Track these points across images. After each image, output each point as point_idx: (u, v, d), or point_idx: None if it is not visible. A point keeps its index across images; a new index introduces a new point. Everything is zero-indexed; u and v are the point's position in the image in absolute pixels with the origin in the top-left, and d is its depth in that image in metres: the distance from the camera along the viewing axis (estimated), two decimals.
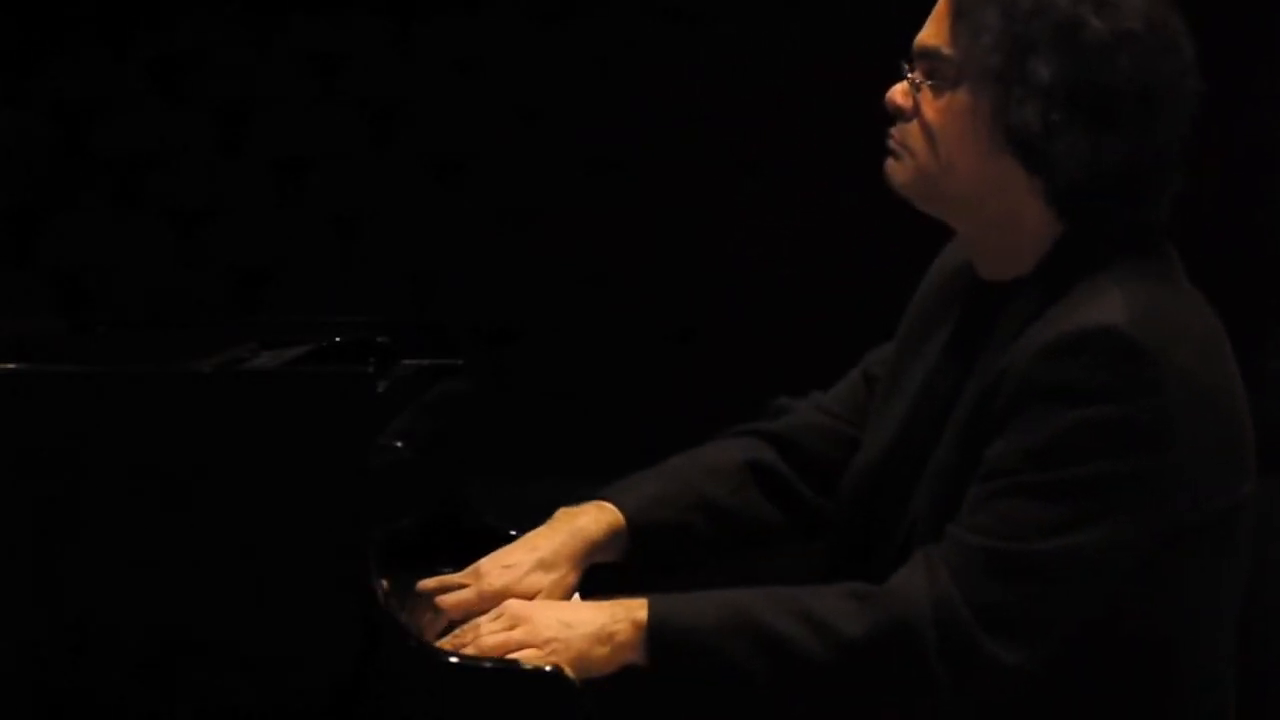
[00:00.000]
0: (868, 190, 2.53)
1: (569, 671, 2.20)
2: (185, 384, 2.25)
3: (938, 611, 2.16)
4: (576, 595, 2.49)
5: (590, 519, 2.53)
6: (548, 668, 2.20)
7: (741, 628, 2.21)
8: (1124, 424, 2.15)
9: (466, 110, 7.37)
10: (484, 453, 2.96)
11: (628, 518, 2.53)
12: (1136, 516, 2.16)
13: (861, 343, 2.71)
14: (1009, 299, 2.31)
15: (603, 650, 2.24)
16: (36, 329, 2.94)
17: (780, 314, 6.42)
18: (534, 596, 2.44)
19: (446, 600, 2.45)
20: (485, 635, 2.27)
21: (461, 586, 2.47)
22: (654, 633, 2.23)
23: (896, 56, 2.36)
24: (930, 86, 2.30)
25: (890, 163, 2.36)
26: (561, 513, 2.55)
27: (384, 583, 2.23)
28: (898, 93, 2.34)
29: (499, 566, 2.47)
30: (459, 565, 2.54)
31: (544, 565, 2.48)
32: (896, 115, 2.34)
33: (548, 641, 2.24)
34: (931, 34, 2.31)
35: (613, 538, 2.52)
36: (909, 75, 2.33)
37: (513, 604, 2.34)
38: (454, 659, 2.23)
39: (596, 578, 2.51)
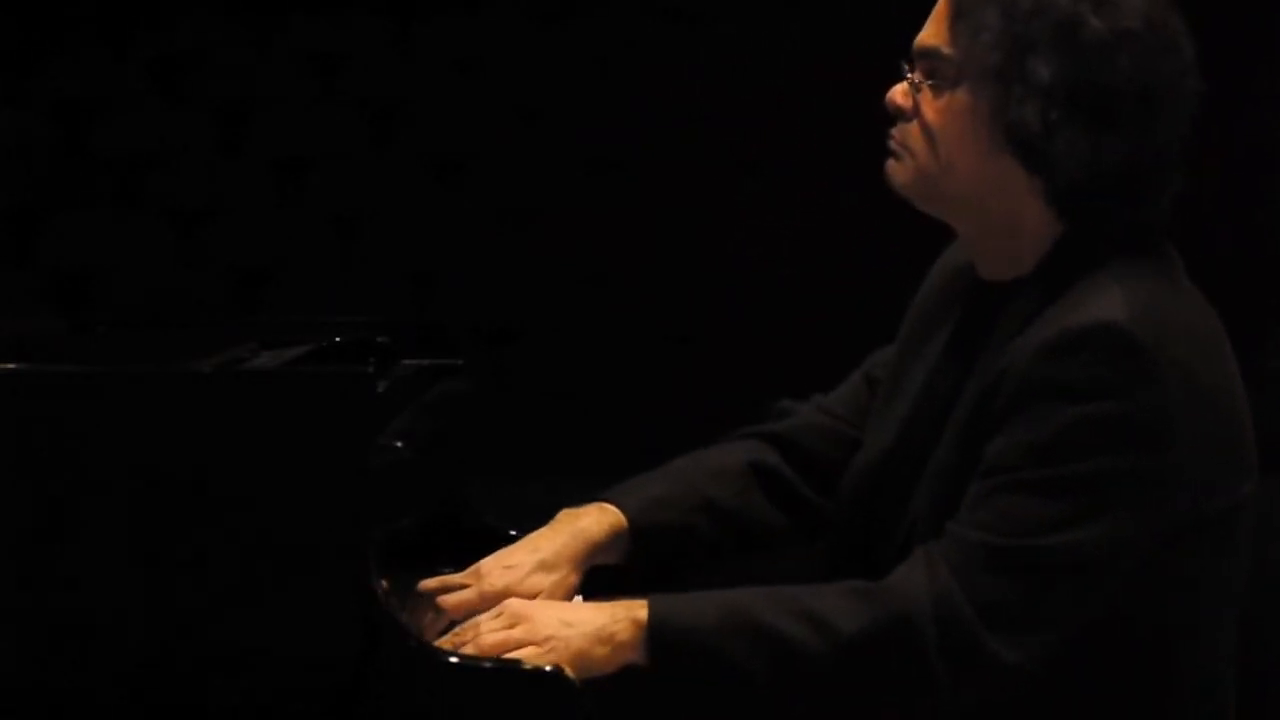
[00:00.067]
0: (868, 190, 2.53)
1: (569, 671, 2.20)
2: (185, 384, 2.25)
3: (938, 608, 2.16)
4: (578, 596, 2.48)
5: (592, 520, 2.52)
6: (548, 667, 2.20)
7: (742, 627, 2.21)
8: (1124, 421, 2.15)
9: (466, 110, 7.38)
10: (484, 453, 2.96)
11: (630, 519, 2.53)
12: (1137, 513, 2.16)
13: (862, 342, 2.71)
14: (1009, 299, 2.31)
15: (602, 650, 2.24)
16: (36, 329, 2.94)
17: (780, 314, 6.42)
18: (535, 597, 2.43)
19: (448, 600, 2.45)
20: (485, 633, 2.27)
21: (463, 587, 2.47)
22: (654, 632, 2.23)
23: (896, 56, 2.36)
24: (930, 87, 2.30)
25: (890, 163, 2.36)
26: (563, 514, 2.54)
27: (384, 583, 2.23)
28: (898, 93, 2.34)
29: (500, 567, 2.47)
30: (459, 565, 2.54)
31: (545, 566, 2.47)
32: (897, 116, 2.35)
33: (547, 640, 2.24)
34: (931, 34, 2.32)
35: (614, 539, 2.52)
36: (909, 75, 2.33)
37: (513, 602, 2.34)
38: (454, 659, 2.22)
39: (598, 579, 2.51)
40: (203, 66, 7.65)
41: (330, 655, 2.20)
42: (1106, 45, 2.22)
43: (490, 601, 2.40)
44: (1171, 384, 2.17)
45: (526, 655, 2.23)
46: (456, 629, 2.36)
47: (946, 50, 2.29)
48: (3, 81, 7.49)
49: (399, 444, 2.38)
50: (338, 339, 2.75)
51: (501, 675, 2.21)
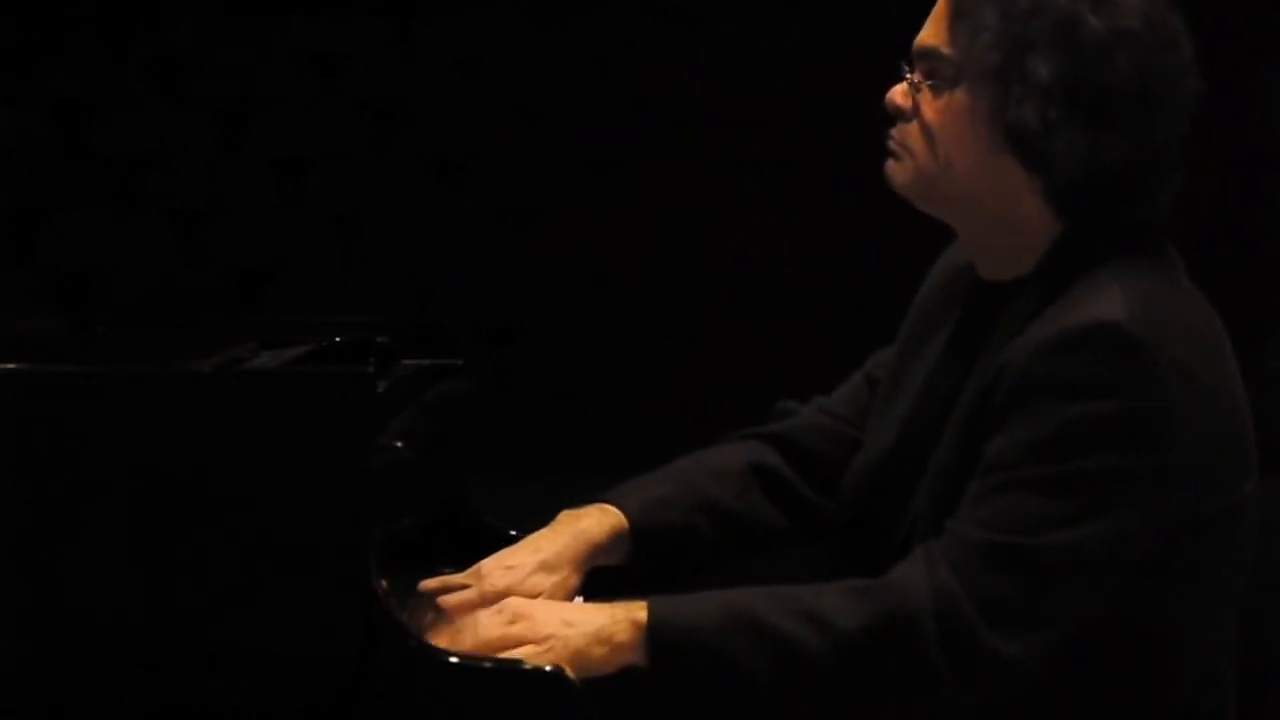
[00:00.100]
0: (868, 190, 2.53)
1: (568, 671, 2.20)
2: (185, 384, 2.25)
3: (937, 605, 2.16)
4: (579, 598, 2.48)
5: (593, 521, 2.52)
6: (548, 667, 2.20)
7: (742, 627, 2.21)
8: (1124, 419, 2.15)
9: (466, 110, 7.38)
10: (484, 453, 2.96)
11: (631, 520, 2.53)
12: (1137, 511, 2.16)
13: (862, 342, 2.71)
14: (1009, 299, 2.32)
15: (601, 650, 2.24)
16: (36, 329, 2.94)
17: (780, 314, 6.42)
18: (536, 598, 2.44)
19: (448, 600, 2.45)
20: (484, 627, 2.28)
21: (463, 587, 2.47)
22: (654, 634, 2.23)
23: (896, 57, 2.36)
24: (930, 87, 2.31)
25: (890, 163, 2.36)
26: (564, 515, 2.54)
27: (384, 583, 2.23)
28: (897, 94, 2.34)
29: (501, 567, 2.47)
30: (459, 565, 2.54)
31: (546, 567, 2.47)
32: (896, 116, 2.35)
33: (546, 638, 2.25)
34: (930, 34, 2.32)
35: (615, 540, 2.52)
36: (908, 76, 2.34)
37: (514, 600, 2.34)
38: (454, 659, 2.22)
39: (599, 580, 2.51)
40: (203, 66, 7.65)
41: (330, 655, 2.20)
42: (1105, 44, 2.22)
43: (491, 602, 2.40)
44: (1171, 383, 2.17)
45: (525, 653, 2.23)
46: (457, 624, 2.36)
47: (946, 50, 2.29)
48: (3, 81, 7.49)
49: (399, 444, 2.38)
50: (338, 339, 2.76)
51: (502, 675, 2.21)
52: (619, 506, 2.53)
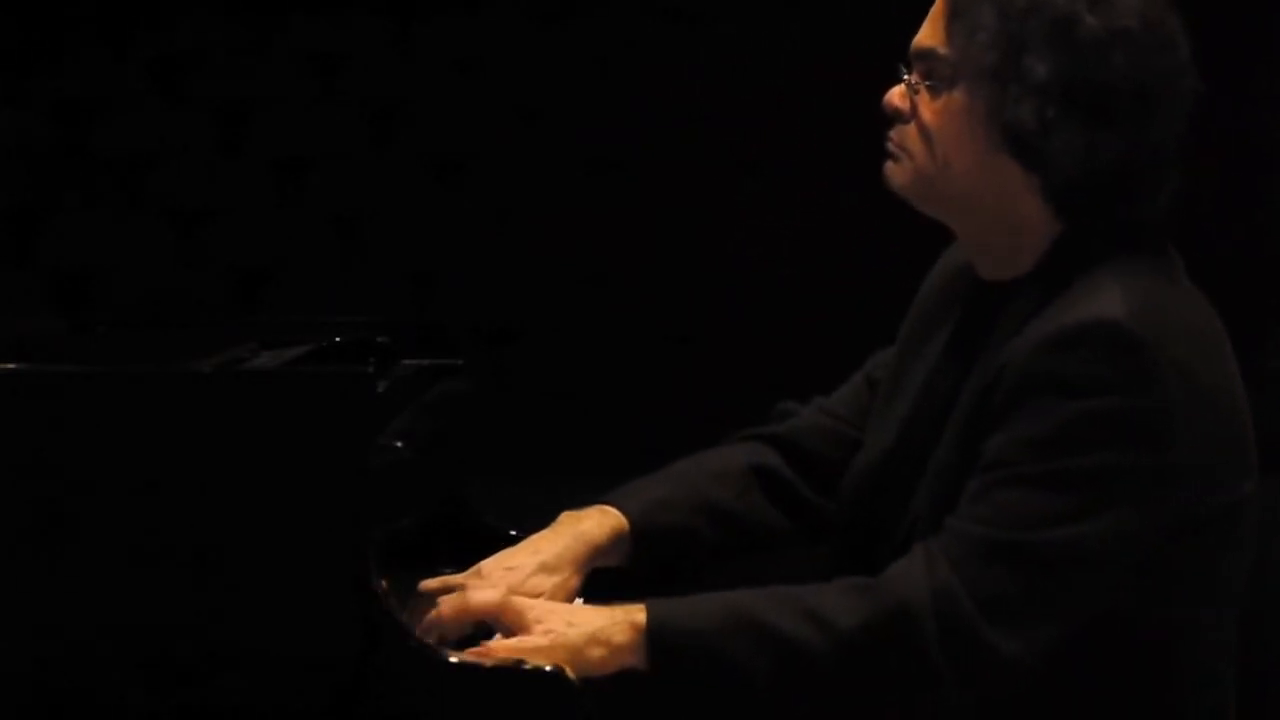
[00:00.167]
0: (868, 190, 2.53)
1: (568, 671, 2.20)
2: (185, 384, 2.25)
3: (937, 602, 2.16)
4: (580, 599, 2.48)
5: (594, 523, 2.52)
6: (548, 667, 2.20)
7: (742, 627, 2.21)
8: (1123, 416, 2.15)
9: (466, 110, 7.38)
10: (484, 453, 2.96)
11: (631, 522, 2.52)
12: (1137, 509, 2.16)
13: (862, 343, 2.71)
14: (1009, 299, 2.32)
15: (599, 652, 2.23)
16: (36, 329, 2.94)
17: (780, 314, 6.42)
18: (537, 599, 2.43)
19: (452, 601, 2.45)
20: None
21: (463, 587, 2.46)
22: (653, 635, 2.22)
23: (896, 57, 2.36)
24: (927, 88, 2.31)
25: (889, 165, 2.36)
26: (565, 516, 2.54)
27: (384, 583, 2.23)
28: (895, 95, 2.34)
29: (501, 568, 2.47)
30: (459, 565, 2.54)
31: (546, 568, 2.47)
32: (895, 117, 2.35)
33: (546, 638, 2.24)
34: (928, 35, 2.32)
35: (616, 542, 2.52)
36: (906, 77, 2.34)
37: (515, 599, 2.34)
38: (454, 659, 2.22)
39: (599, 582, 2.51)
40: (203, 66, 7.65)
41: (330, 655, 2.20)
42: (1102, 43, 2.22)
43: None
44: (1171, 382, 2.17)
45: (525, 653, 2.23)
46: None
47: (943, 51, 2.29)
48: (3, 81, 7.49)
49: (399, 444, 2.38)
50: (338, 339, 2.76)
51: (501, 675, 2.21)
52: (620, 508, 2.53)
